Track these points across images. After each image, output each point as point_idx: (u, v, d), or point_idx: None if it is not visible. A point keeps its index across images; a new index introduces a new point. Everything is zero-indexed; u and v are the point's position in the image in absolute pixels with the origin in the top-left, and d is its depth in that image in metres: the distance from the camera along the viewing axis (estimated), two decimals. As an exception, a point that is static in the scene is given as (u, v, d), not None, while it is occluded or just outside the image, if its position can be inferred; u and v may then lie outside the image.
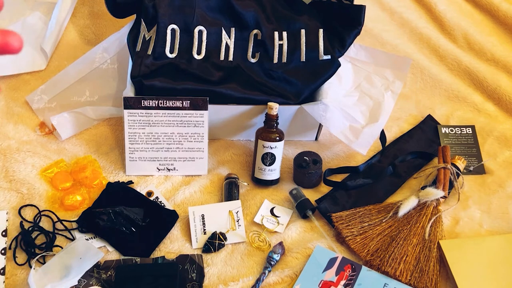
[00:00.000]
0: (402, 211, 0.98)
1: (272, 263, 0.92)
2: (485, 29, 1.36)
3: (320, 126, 1.13)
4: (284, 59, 1.10)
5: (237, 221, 0.99)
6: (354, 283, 0.89)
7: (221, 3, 1.12)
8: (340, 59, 1.10)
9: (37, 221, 0.98)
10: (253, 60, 1.10)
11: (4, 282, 0.89)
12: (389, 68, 1.17)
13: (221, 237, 0.96)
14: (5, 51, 0.44)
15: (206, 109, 1.04)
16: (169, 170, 1.08)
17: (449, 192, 1.03)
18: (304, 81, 1.07)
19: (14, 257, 0.92)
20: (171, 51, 1.08)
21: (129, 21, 1.15)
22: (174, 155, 1.07)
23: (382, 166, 1.09)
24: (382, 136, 1.12)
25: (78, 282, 0.88)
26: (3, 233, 0.95)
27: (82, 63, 1.19)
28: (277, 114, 1.03)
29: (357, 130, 1.07)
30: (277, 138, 1.03)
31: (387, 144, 1.14)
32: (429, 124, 1.20)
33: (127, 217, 0.97)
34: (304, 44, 1.10)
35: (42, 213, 0.99)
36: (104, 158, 1.11)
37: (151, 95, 1.03)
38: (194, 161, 1.07)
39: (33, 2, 1.32)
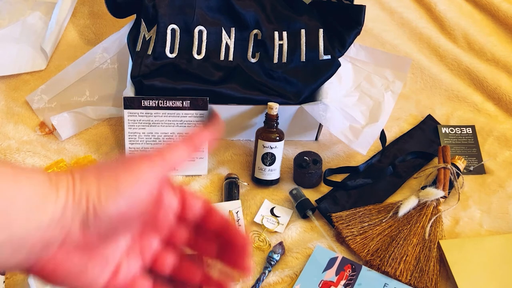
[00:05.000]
0: (402, 211, 0.98)
1: (272, 263, 0.92)
2: (485, 29, 1.36)
3: (320, 126, 1.13)
4: (284, 59, 1.10)
5: (237, 221, 0.99)
6: (354, 283, 0.89)
7: (221, 3, 1.12)
8: (340, 59, 1.10)
9: (37, 221, 0.98)
10: (253, 60, 1.10)
11: (4, 282, 0.89)
12: (389, 68, 1.17)
13: (221, 237, 0.96)
14: None
15: (206, 109, 1.04)
16: (169, 170, 1.08)
17: (449, 192, 1.03)
18: (304, 81, 1.07)
19: (14, 257, 0.92)
20: (171, 51, 1.08)
21: (129, 21, 1.15)
22: (174, 155, 1.07)
23: (382, 166, 1.09)
24: (382, 136, 1.12)
25: (78, 282, 0.88)
26: (3, 233, 0.95)
27: (82, 63, 1.19)
28: (277, 114, 1.03)
29: (357, 130, 1.07)
30: (277, 138, 1.03)
31: (387, 144, 1.14)
32: (429, 124, 1.20)
33: (127, 217, 0.97)
34: (304, 44, 1.10)
35: (42, 213, 0.99)
36: (104, 158, 1.10)
37: (151, 95, 1.03)
38: (194, 161, 1.07)
39: (33, 2, 1.32)
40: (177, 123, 1.05)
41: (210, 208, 0.45)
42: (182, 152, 0.43)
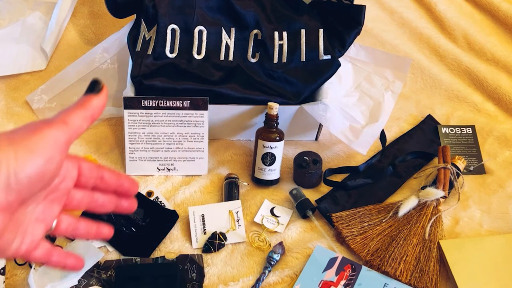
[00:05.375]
0: (402, 211, 0.98)
1: (272, 263, 0.92)
2: (485, 29, 1.36)
3: (320, 126, 1.13)
4: (284, 59, 1.10)
5: (237, 221, 0.99)
6: (354, 283, 0.89)
7: (221, 3, 1.12)
8: (340, 59, 1.10)
9: (37, 221, 0.98)
10: (253, 60, 1.10)
11: (4, 282, 0.89)
12: (389, 68, 1.17)
13: (221, 237, 0.96)
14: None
15: (206, 109, 1.04)
16: (169, 170, 1.08)
17: (449, 192, 1.03)
18: (304, 81, 1.07)
19: (14, 257, 0.92)
20: (171, 51, 1.08)
21: (129, 21, 1.15)
22: (174, 155, 1.07)
23: (382, 166, 1.09)
24: (382, 136, 1.12)
25: (78, 282, 0.88)
26: (3, 233, 0.95)
27: (82, 63, 1.19)
28: (277, 114, 1.03)
29: (357, 130, 1.07)
30: (277, 138, 1.03)
31: (387, 144, 1.14)
32: (429, 124, 1.20)
33: (127, 217, 0.97)
34: (304, 44, 1.10)
35: (42, 213, 0.99)
36: (104, 158, 1.11)
37: (151, 95, 1.03)
38: (194, 161, 1.08)
39: (33, 2, 1.32)
40: (177, 123, 1.05)
41: (103, 170, 0.52)
42: (79, 116, 0.47)
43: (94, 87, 0.49)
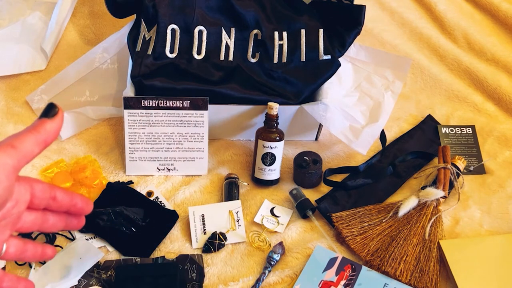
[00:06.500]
0: (402, 211, 0.98)
1: (272, 263, 0.92)
2: (485, 29, 1.36)
3: (320, 126, 1.13)
4: (284, 59, 1.10)
5: (237, 221, 0.99)
6: (354, 283, 0.89)
7: (221, 3, 1.12)
8: (340, 59, 1.10)
9: (37, 221, 0.98)
10: (253, 60, 1.10)
11: (4, 282, 0.89)
12: (389, 68, 1.17)
13: (221, 237, 0.96)
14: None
15: (206, 109, 1.04)
16: (169, 170, 1.08)
17: (449, 192, 1.03)
18: (304, 81, 1.07)
19: (14, 257, 0.92)
20: (171, 51, 1.08)
21: (129, 21, 1.15)
22: (174, 155, 1.07)
23: (382, 166, 1.09)
24: (382, 136, 1.12)
25: (78, 282, 0.88)
26: (3, 233, 0.95)
27: (82, 63, 1.19)
28: (277, 114, 1.03)
29: (357, 130, 1.07)
30: (277, 138, 1.03)
31: (387, 144, 1.14)
32: (429, 124, 1.20)
33: (127, 217, 0.97)
34: (304, 44, 1.10)
35: (42, 213, 0.99)
36: (104, 158, 1.11)
37: (151, 95, 1.03)
38: (194, 161, 1.08)
39: (33, 2, 1.32)
40: (177, 123, 1.05)
41: (56, 190, 0.51)
42: (30, 140, 0.46)
43: (49, 111, 0.48)
